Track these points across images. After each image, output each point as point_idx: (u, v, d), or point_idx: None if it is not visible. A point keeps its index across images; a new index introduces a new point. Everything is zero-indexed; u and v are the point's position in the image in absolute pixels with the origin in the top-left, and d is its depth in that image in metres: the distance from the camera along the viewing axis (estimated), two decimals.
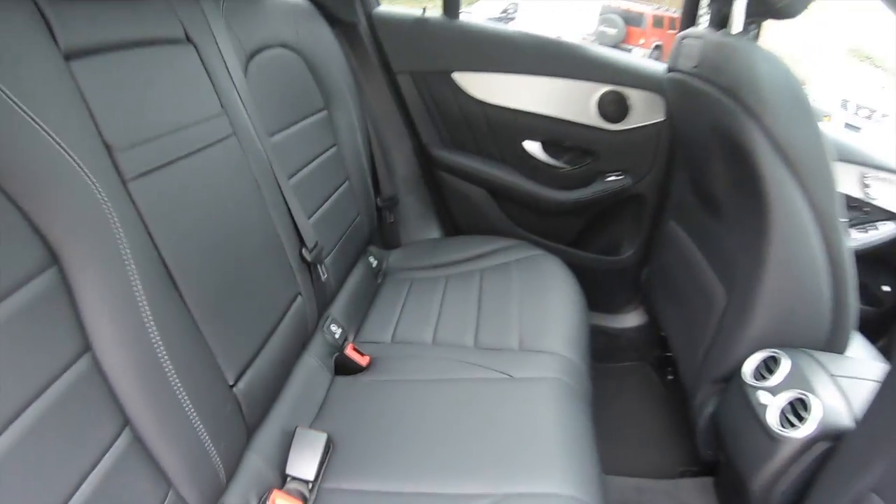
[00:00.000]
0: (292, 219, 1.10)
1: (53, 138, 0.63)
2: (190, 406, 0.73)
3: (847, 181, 1.50)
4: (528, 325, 1.26)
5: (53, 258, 0.62)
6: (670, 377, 1.72)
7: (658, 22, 11.14)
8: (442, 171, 1.82)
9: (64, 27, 0.70)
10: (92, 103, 0.71)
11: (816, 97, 8.96)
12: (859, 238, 1.50)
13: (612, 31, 10.56)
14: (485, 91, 1.71)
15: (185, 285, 0.78)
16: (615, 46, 10.44)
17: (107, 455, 0.64)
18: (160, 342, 0.70)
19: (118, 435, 0.66)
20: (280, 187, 1.08)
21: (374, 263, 1.55)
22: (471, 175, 1.80)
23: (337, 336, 1.21)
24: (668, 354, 1.61)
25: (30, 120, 0.61)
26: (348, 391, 1.12)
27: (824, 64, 10.22)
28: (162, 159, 0.79)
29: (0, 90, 0.59)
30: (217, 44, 1.02)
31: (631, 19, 10.88)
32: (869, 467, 0.75)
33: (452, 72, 1.70)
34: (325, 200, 1.31)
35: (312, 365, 1.12)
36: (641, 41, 11.03)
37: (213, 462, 0.77)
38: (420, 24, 1.72)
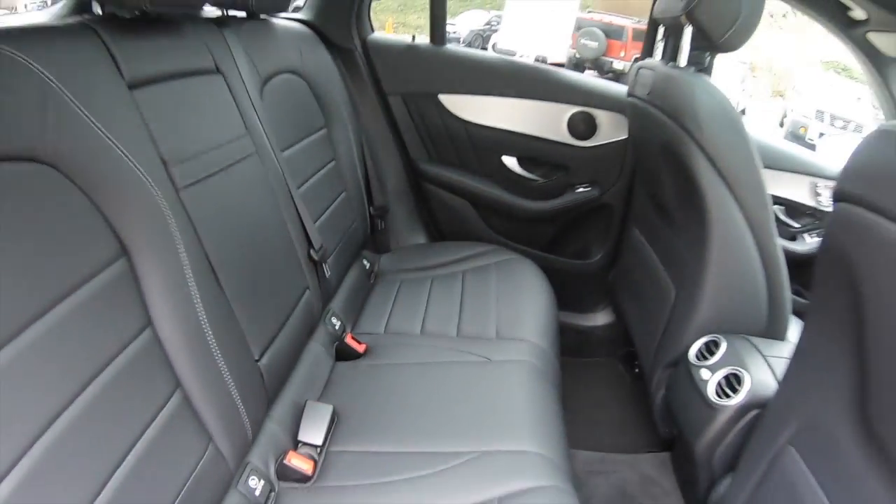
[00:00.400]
0: (302, 224, 1.29)
1: (125, 154, 0.82)
2: (227, 372, 0.92)
3: (801, 191, 1.70)
4: (503, 317, 1.46)
5: (123, 251, 0.80)
6: (636, 370, 1.93)
7: (638, 35, 11.32)
8: (428, 183, 2.03)
9: (126, 62, 0.89)
10: (151, 126, 0.90)
11: (795, 109, 9.29)
12: (812, 242, 1.71)
13: (593, 45, 10.76)
14: (467, 111, 1.92)
15: (222, 274, 0.96)
16: (596, 59, 10.70)
17: (161, 412, 0.81)
18: (205, 319, 0.88)
19: (171, 395, 0.83)
20: (292, 196, 1.27)
21: (368, 266, 1.74)
22: (454, 187, 2.01)
23: (337, 327, 1.40)
24: (634, 350, 1.82)
25: (106, 139, 0.79)
26: (349, 373, 1.31)
27: (803, 77, 10.59)
28: (203, 173, 0.99)
29: (82, 113, 0.77)
30: (239, 72, 1.22)
31: (612, 32, 11.04)
32: (786, 425, 0.94)
33: (438, 94, 1.91)
34: (326, 209, 1.50)
35: (318, 350, 1.31)
36: (622, 53, 11.22)
37: (243, 422, 0.96)
38: (410, 50, 1.93)
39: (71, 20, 0.91)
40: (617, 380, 1.98)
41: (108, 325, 0.75)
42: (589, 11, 11.33)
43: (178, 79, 1.01)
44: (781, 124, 9.92)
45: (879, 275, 0.73)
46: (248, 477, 0.96)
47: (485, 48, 11.08)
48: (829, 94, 8.98)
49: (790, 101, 10.62)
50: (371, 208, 1.86)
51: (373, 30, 2.00)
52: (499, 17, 12.66)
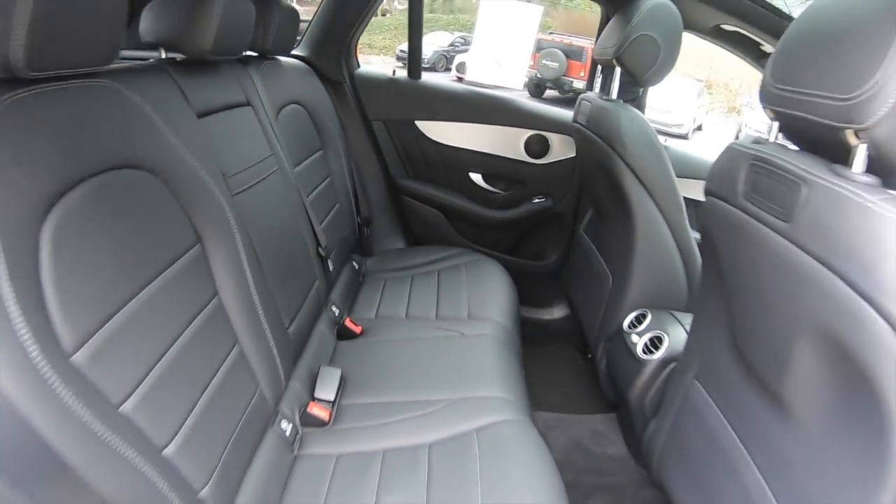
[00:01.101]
0: (312, 226, 1.64)
1: (198, 167, 1.13)
2: (269, 334, 1.24)
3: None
4: (473, 302, 1.82)
5: (198, 239, 1.10)
6: (589, 356, 2.31)
7: None
8: (406, 196, 2.41)
9: (192, 96, 1.24)
10: (214, 146, 1.24)
11: (749, 124, 9.87)
12: None
13: (553, 65, 11.10)
14: (440, 135, 2.32)
15: (263, 259, 1.29)
16: (557, 79, 11.15)
17: (226, 360, 1.11)
18: (254, 292, 1.21)
19: (231, 348, 1.14)
20: (304, 204, 1.62)
21: (357, 267, 2.09)
22: (428, 200, 2.40)
23: (337, 314, 1.74)
24: (586, 338, 2.19)
25: (186, 154, 1.10)
26: (350, 348, 1.65)
27: (757, 94, 11.25)
28: (247, 184, 1.33)
29: (169, 134, 1.07)
30: (262, 104, 1.57)
31: (572, 53, 11.36)
32: (691, 365, 1.30)
33: (415, 120, 2.31)
34: (325, 218, 1.84)
35: (323, 330, 1.64)
36: (582, 73, 11.66)
37: (280, 375, 1.28)
38: (391, 82, 2.33)
39: (147, 62, 1.25)
40: (572, 362, 2.35)
41: (191, 293, 1.05)
42: (550, 33, 11.69)
43: (225, 110, 1.37)
44: (737, 137, 10.51)
45: (727, 244, 1.11)
46: (280, 421, 1.26)
47: (448, 68, 11.52)
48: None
49: (745, 116, 11.25)
50: (358, 218, 2.21)
51: (358, 65, 2.38)
52: (462, 38, 13.14)
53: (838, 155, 0.82)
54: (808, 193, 0.83)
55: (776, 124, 1.00)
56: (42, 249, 0.74)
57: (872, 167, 0.78)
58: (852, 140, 0.78)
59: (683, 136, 9.58)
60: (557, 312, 2.50)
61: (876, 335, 0.73)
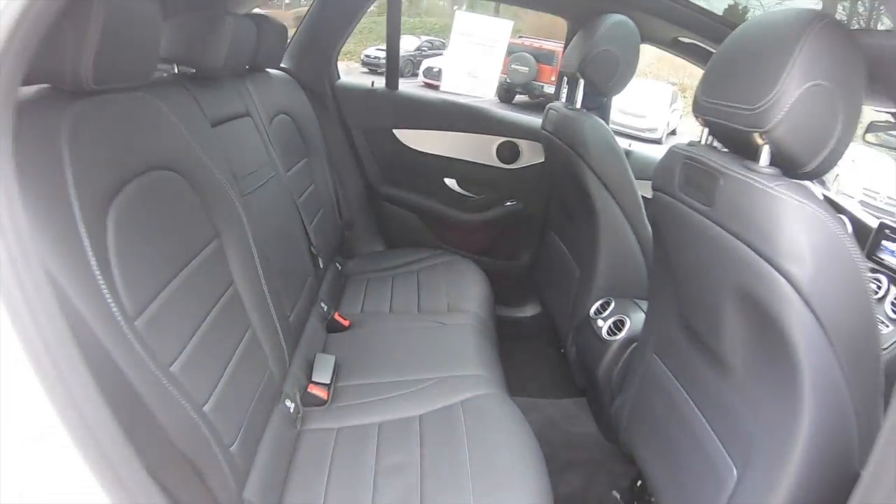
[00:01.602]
0: (304, 228, 1.83)
1: (215, 169, 1.30)
2: (276, 320, 1.43)
3: None
4: (452, 296, 2.03)
5: (216, 234, 1.28)
6: (562, 350, 2.53)
7: None
8: (384, 201, 2.62)
9: (206, 106, 1.43)
10: (227, 152, 1.43)
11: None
12: None
13: (523, 69, 11.28)
14: (416, 142, 2.54)
15: (269, 255, 1.47)
16: (527, 83, 11.38)
17: (241, 342, 1.27)
18: (264, 283, 1.39)
19: (245, 332, 1.31)
20: (297, 206, 1.82)
21: (340, 268, 2.28)
22: (405, 204, 2.61)
23: (325, 310, 1.92)
24: (558, 334, 2.40)
25: (205, 159, 1.28)
26: (340, 339, 1.84)
27: None
28: (252, 187, 1.53)
29: (191, 140, 1.25)
30: (259, 114, 1.76)
31: (542, 57, 11.36)
32: (650, 341, 1.49)
33: (393, 129, 2.52)
34: (312, 221, 2.04)
35: (315, 324, 1.82)
36: (553, 77, 11.74)
37: (285, 357, 1.47)
38: (369, 93, 2.55)
39: (164, 75, 1.44)
40: (545, 355, 2.57)
41: (212, 281, 1.22)
42: (520, 37, 11.78)
43: (231, 120, 1.56)
44: (706, 140, 10.76)
45: (669, 229, 1.32)
46: (284, 399, 1.44)
47: (415, 73, 11.64)
48: None
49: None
50: (341, 222, 2.40)
51: (339, 77, 2.58)
52: (429, 41, 13.31)
53: (750, 152, 1.04)
54: (724, 183, 1.06)
55: (706, 130, 1.23)
56: (109, 230, 0.93)
57: (775, 161, 1.01)
58: (758, 141, 1.01)
59: (657, 141, 9.74)
60: (530, 311, 2.72)
61: (778, 287, 0.95)
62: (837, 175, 5.00)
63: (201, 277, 1.17)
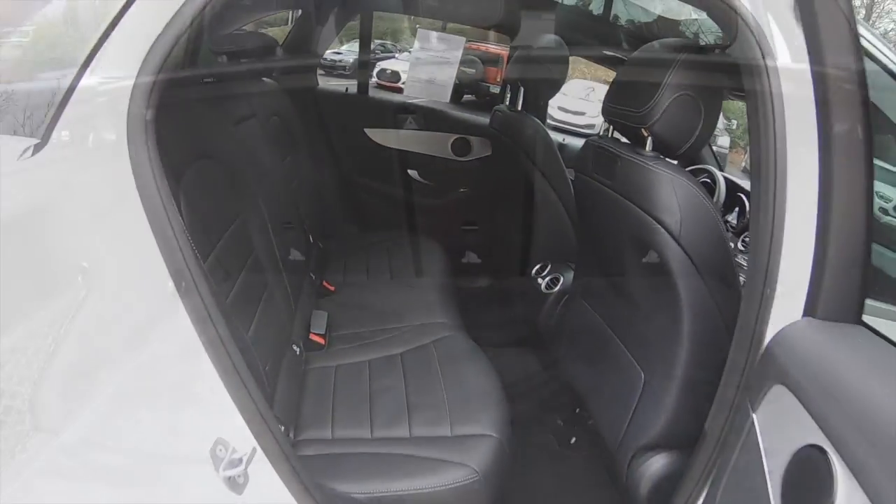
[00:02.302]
0: (298, 210, 2.21)
1: (240, 159, 1.64)
2: (286, 281, 1.79)
3: None
4: (418, 264, 2.40)
5: (240, 212, 1.61)
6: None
7: None
8: (358, 189, 3.00)
9: (229, 106, 1.78)
10: (243, 146, 1.79)
11: None
12: None
13: (471, 71, 11.77)
14: (385, 139, 2.94)
15: (275, 231, 1.84)
16: (475, 83, 11.83)
17: (263, 296, 1.60)
18: (277, 253, 1.75)
19: (265, 290, 1.65)
20: (291, 193, 2.18)
21: (322, 245, 2.64)
22: (375, 192, 3.01)
23: (314, 279, 2.27)
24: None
25: (234, 149, 1.63)
26: (329, 300, 2.18)
27: None
28: (260, 176, 1.88)
29: (222, 134, 1.63)
30: (260, 115, 2.12)
31: (488, 60, 12.02)
32: (578, 291, 1.89)
33: (364, 128, 2.91)
34: (300, 206, 2.39)
35: (308, 290, 2.15)
36: (497, 78, 12.25)
37: (292, 308, 1.81)
38: (344, 97, 2.96)
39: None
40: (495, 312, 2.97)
41: (240, 251, 1.56)
42: (468, 41, 12.25)
43: (246, 120, 1.92)
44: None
45: (586, 202, 1.74)
46: (292, 345, 1.77)
47: (370, 76, 11.96)
48: None
49: None
50: (321, 207, 2.77)
51: (318, 83, 2.96)
52: (382, 45, 13.52)
53: (640, 141, 1.45)
54: (621, 164, 1.48)
55: (611, 126, 1.63)
56: (182, 200, 1.15)
57: (656, 147, 1.42)
58: (644, 133, 1.42)
59: (596, 135, 10.29)
60: (482, 282, 3.13)
61: (659, 234, 1.35)
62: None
63: (231, 247, 1.42)
